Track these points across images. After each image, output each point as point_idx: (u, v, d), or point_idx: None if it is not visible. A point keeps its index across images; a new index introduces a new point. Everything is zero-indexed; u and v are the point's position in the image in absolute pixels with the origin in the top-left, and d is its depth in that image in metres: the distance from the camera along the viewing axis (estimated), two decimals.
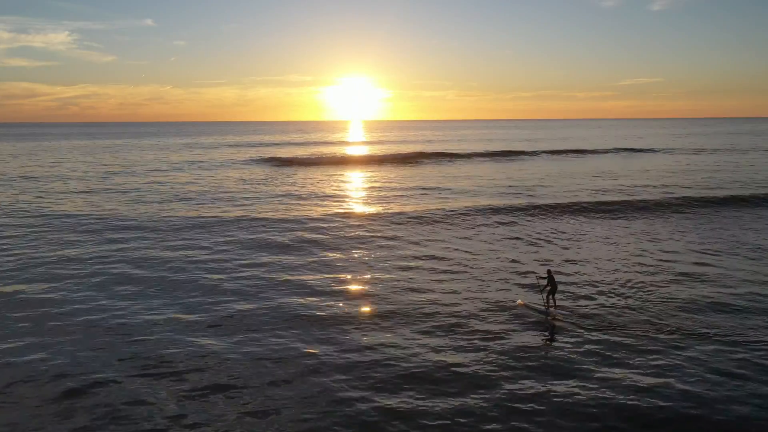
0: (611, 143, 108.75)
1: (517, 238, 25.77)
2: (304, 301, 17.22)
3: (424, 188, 43.11)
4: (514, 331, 15.00)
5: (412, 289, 18.34)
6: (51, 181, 47.66)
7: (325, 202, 35.79)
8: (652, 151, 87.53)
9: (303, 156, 77.67)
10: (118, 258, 22.17)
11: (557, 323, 15.54)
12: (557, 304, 16.46)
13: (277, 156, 74.69)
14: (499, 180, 48.51)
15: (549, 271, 16.47)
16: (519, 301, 16.91)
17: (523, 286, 18.69)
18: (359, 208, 33.48)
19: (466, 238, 25.83)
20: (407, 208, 32.67)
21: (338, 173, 56.78)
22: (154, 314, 16.20)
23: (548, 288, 16.21)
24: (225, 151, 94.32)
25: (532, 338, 14.54)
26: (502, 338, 14.43)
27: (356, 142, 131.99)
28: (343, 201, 36.51)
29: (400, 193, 40.70)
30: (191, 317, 15.98)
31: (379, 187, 43.91)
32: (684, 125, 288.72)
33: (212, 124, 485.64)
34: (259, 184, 45.34)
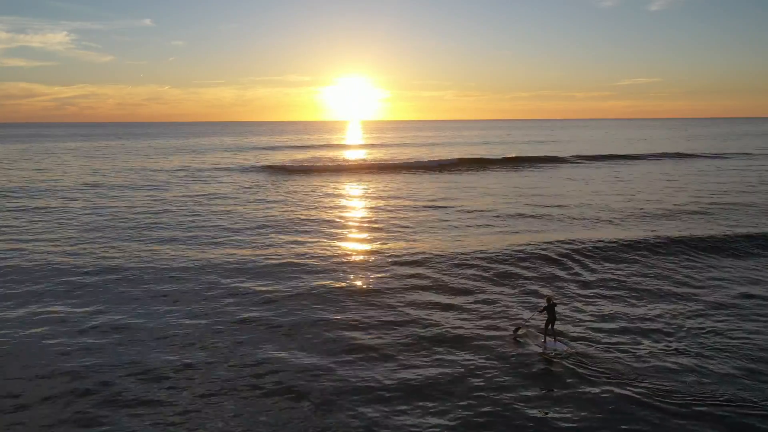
0: (635, 147, 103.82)
1: (572, 278, 20.62)
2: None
3: (448, 209, 37.99)
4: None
5: (421, 392, 13.34)
6: (18, 197, 42.65)
7: (328, 232, 30.61)
8: (688, 156, 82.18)
9: (304, 162, 72.58)
10: (24, 330, 17.06)
11: (553, 360, 14.19)
12: (557, 337, 15.05)
13: (275, 164, 69.22)
14: (546, 197, 42.13)
15: (549, 299, 15.05)
16: (519, 330, 15.71)
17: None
18: (365, 243, 27.41)
19: (496, 287, 20.74)
20: (431, 244, 27.28)
21: (344, 186, 51.52)
22: None
23: (543, 313, 14.92)
24: (219, 155, 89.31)
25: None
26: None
27: (359, 146, 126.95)
28: (347, 231, 30.62)
29: (419, 215, 35.55)
30: None
31: (394, 207, 38.29)
32: (687, 126, 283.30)
33: (210, 125, 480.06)
34: (250, 204, 39.72)
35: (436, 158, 75.60)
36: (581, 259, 23.60)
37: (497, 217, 33.67)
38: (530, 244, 25.73)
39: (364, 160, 78.51)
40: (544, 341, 14.90)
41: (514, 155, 79.28)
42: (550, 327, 14.86)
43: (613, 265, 23.02)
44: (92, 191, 45.62)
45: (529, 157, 78.32)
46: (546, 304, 14.89)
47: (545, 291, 19.39)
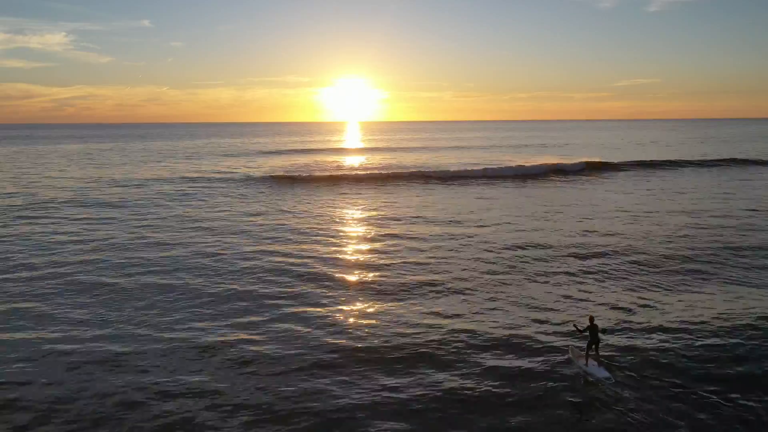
0: (671, 152, 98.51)
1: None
2: None
3: (482, 237, 32.52)
4: None
5: None
6: None
7: (332, 279, 25.26)
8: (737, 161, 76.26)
9: (307, 168, 67.22)
10: None
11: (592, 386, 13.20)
12: (600, 360, 14.17)
13: (276, 174, 63.67)
14: (615, 219, 36.06)
15: (591, 319, 14.26)
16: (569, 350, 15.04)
17: None
18: (376, 303, 21.96)
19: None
20: (465, 306, 22.00)
21: (358, 203, 45.19)
22: None
23: (585, 334, 14.30)
24: (214, 162, 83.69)
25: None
26: None
27: (363, 149, 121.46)
28: (357, 281, 25.16)
29: (450, 248, 30.08)
30: None
31: (416, 236, 32.37)
32: (690, 126, 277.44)
33: (208, 126, 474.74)
34: (242, 234, 32.75)
35: (479, 165, 68.51)
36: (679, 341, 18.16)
37: (553, 248, 27.88)
38: (595, 301, 20.35)
39: (376, 168, 72.42)
40: (586, 363, 14.18)
41: (554, 162, 71.48)
42: (592, 349, 14.14)
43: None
44: (66, 210, 40.17)
45: (572, 164, 69.68)
46: (589, 324, 14.14)
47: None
